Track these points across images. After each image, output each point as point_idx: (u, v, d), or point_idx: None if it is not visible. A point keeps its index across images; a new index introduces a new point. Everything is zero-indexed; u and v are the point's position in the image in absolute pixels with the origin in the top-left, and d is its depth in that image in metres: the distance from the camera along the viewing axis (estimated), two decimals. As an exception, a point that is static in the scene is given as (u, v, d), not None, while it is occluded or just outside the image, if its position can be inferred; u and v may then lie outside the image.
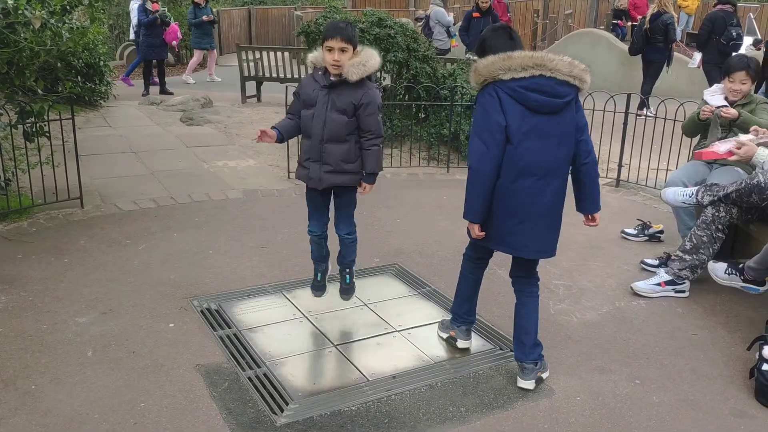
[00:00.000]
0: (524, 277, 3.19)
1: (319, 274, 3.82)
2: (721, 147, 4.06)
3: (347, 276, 3.83)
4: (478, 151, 2.89)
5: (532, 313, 3.17)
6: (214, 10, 16.23)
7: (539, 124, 2.87)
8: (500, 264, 4.51)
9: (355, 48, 3.28)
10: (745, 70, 4.49)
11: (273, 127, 3.48)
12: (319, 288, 3.85)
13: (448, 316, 3.74)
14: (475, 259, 3.35)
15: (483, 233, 3.02)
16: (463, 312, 3.47)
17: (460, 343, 3.50)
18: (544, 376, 3.20)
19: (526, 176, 2.90)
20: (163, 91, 11.60)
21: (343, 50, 3.24)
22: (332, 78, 3.32)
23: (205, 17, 12.71)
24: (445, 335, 3.59)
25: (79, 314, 3.73)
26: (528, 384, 3.12)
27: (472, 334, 3.60)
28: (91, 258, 4.50)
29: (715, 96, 4.66)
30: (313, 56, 3.40)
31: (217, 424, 2.83)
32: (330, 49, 3.25)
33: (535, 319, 3.18)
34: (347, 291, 3.86)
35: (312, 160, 3.43)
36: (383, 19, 7.42)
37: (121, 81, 12.08)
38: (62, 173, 5.39)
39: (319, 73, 3.37)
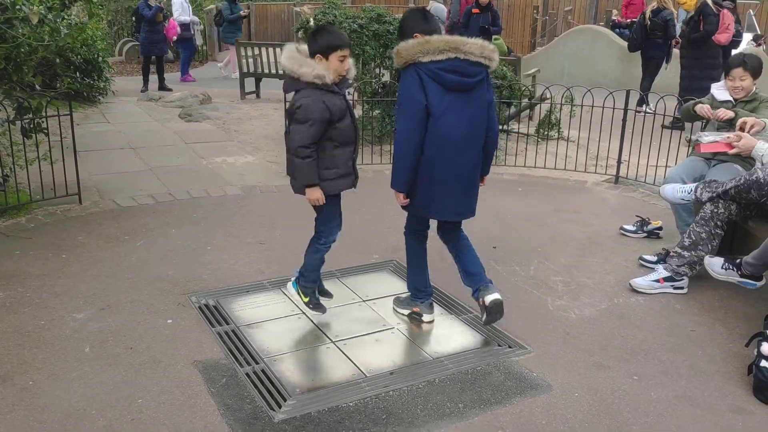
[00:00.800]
0: (453, 239, 3.53)
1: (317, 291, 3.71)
2: (705, 138, 4.05)
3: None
4: (404, 126, 3.20)
5: (473, 258, 3.49)
6: (212, 6, 16.27)
7: (455, 101, 3.19)
8: (498, 260, 4.52)
9: None
10: (741, 66, 4.49)
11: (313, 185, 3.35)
12: (322, 306, 3.68)
13: (444, 313, 3.75)
14: (416, 231, 3.58)
15: (407, 200, 3.34)
16: (422, 286, 3.68)
17: (426, 317, 3.70)
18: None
19: (446, 148, 3.21)
20: (162, 87, 11.59)
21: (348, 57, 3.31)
22: (350, 83, 3.40)
23: (242, 12, 12.96)
24: (407, 311, 3.74)
25: (77, 310, 3.72)
26: (497, 294, 3.36)
27: (470, 329, 3.62)
28: (89, 254, 4.50)
29: (721, 91, 4.65)
30: (320, 72, 3.19)
31: (214, 420, 2.83)
32: (343, 58, 3.25)
33: (477, 259, 3.50)
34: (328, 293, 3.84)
35: (352, 164, 3.45)
36: (382, 15, 7.41)
37: (182, 82, 12.18)
38: (60, 169, 5.38)
39: (335, 85, 3.27)
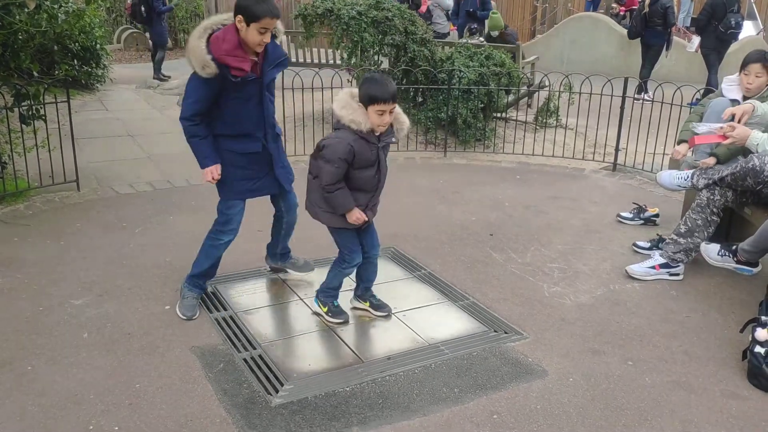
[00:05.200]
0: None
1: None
2: (698, 130, 4.03)
3: None
4: None
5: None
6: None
7: None
8: (494, 247, 4.53)
9: None
10: (760, 62, 4.29)
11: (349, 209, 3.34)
12: (342, 312, 3.63)
13: (441, 299, 3.77)
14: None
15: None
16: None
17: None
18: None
19: None
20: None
21: (391, 111, 3.19)
22: (393, 139, 3.32)
23: None
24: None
25: (75, 296, 3.74)
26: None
27: (466, 315, 3.65)
28: (87, 241, 4.51)
29: (732, 87, 4.50)
30: (356, 117, 3.15)
31: (212, 405, 2.85)
32: (382, 113, 3.14)
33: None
34: None
35: (365, 208, 3.36)
36: (381, 2, 7.38)
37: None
38: (58, 156, 5.38)
39: (372, 134, 3.20)
